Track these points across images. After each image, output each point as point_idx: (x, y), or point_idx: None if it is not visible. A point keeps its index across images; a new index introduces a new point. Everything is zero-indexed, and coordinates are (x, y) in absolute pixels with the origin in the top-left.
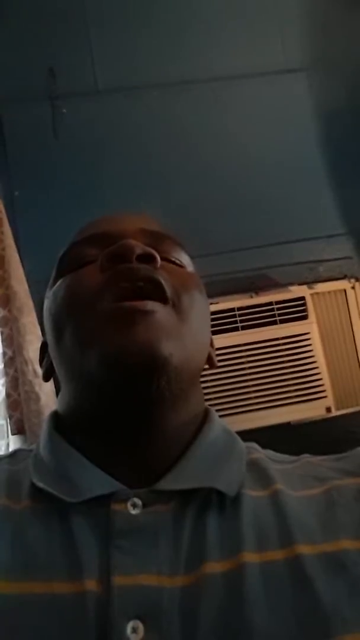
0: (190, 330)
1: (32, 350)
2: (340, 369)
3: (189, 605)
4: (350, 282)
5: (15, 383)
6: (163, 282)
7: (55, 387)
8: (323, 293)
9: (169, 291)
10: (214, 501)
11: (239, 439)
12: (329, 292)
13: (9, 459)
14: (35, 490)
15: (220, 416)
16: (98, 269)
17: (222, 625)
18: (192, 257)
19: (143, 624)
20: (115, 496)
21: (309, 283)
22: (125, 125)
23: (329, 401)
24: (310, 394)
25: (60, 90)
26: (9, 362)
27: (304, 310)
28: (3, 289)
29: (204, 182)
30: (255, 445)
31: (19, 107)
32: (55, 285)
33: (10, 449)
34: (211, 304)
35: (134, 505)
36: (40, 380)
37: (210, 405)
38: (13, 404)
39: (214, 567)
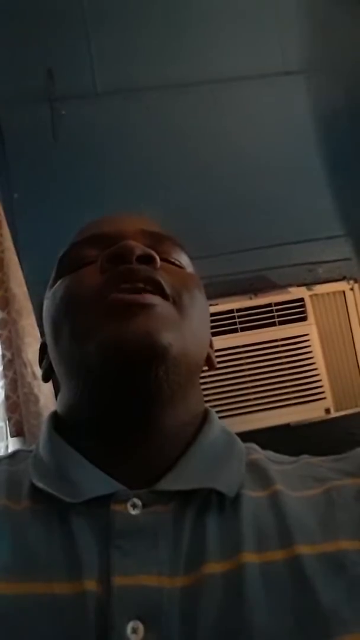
0: (190, 326)
1: (31, 353)
2: (339, 370)
3: (188, 606)
4: (349, 283)
5: (14, 385)
6: (163, 282)
7: (54, 388)
8: (322, 294)
9: (169, 290)
10: (213, 502)
11: (238, 439)
12: (328, 294)
13: (8, 460)
14: (35, 491)
15: (220, 417)
16: (98, 270)
17: (222, 626)
18: (191, 259)
19: (143, 625)
20: (115, 497)
21: (308, 284)
22: (125, 127)
23: (328, 402)
24: (310, 395)
25: (60, 92)
26: (8, 364)
27: (303, 312)
28: (2, 291)
29: (203, 183)
30: (254, 446)
31: (18, 109)
32: (55, 286)
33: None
34: (210, 305)
35: (134, 506)
36: (39, 382)
37: (210, 406)
38: (12, 406)
39: (214, 567)
